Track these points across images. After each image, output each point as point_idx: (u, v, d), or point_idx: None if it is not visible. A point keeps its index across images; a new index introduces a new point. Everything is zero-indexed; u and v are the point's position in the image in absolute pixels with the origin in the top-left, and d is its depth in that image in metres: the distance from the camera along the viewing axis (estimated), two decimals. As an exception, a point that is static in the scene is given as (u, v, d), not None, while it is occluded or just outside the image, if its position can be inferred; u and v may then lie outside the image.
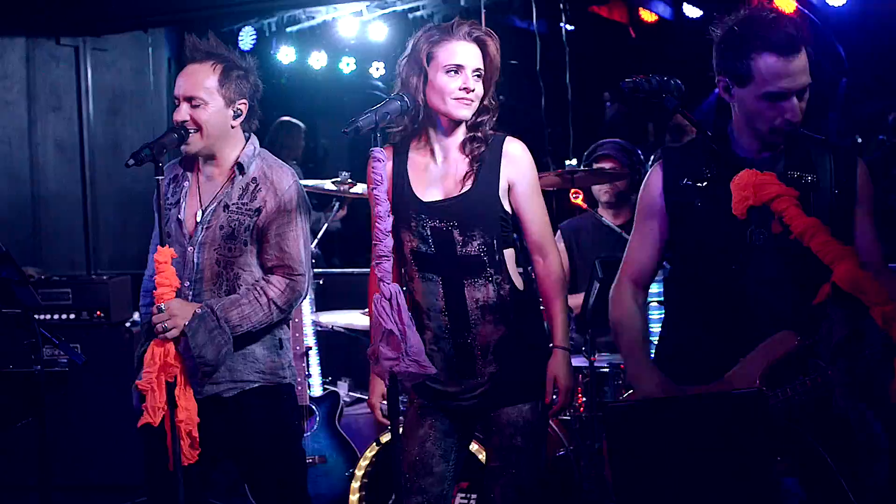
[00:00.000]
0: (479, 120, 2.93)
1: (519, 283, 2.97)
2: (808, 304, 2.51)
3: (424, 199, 2.92)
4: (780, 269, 2.60)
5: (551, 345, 2.97)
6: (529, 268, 3.07)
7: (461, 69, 2.87)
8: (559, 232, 4.67)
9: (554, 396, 2.97)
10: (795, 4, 7.07)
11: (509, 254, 2.96)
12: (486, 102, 2.94)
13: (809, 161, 2.64)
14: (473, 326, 2.91)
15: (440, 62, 2.87)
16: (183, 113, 3.05)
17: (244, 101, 3.11)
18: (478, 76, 2.90)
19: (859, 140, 7.00)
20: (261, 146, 3.19)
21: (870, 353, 2.31)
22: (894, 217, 6.34)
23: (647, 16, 8.22)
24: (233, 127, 3.12)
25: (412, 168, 2.97)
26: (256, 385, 3.13)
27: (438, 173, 2.95)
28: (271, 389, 3.16)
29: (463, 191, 2.90)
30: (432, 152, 2.97)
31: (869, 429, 2.72)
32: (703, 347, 2.70)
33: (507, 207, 2.94)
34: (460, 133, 2.95)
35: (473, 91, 2.88)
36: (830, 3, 6.65)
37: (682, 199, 2.71)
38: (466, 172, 2.91)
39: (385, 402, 2.97)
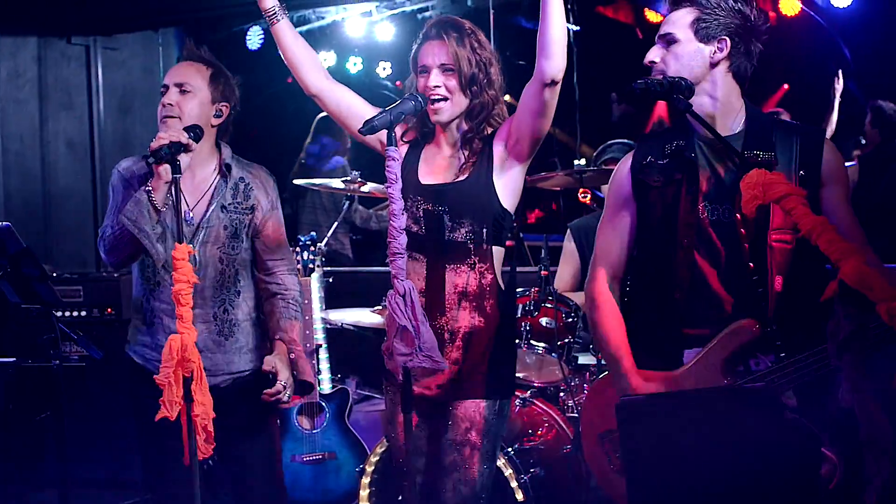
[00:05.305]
0: (479, 115, 2.98)
1: (501, 281, 3.02)
2: (757, 283, 2.55)
3: (423, 182, 3.01)
4: (731, 247, 2.63)
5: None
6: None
7: (428, 69, 2.96)
8: (568, 231, 4.72)
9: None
10: (800, 6, 7.10)
11: (498, 252, 3.01)
12: (481, 94, 2.96)
13: (769, 141, 2.66)
14: (448, 310, 2.96)
15: (416, 66, 3.00)
16: (171, 96, 3.19)
17: (227, 104, 3.27)
18: (449, 70, 2.95)
19: (863, 141, 6.94)
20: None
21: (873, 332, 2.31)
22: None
23: (653, 16, 8.26)
24: (213, 126, 3.25)
25: (426, 155, 3.07)
26: (247, 372, 3.31)
27: (445, 161, 3.04)
28: (258, 373, 3.32)
29: (459, 179, 2.98)
30: (440, 144, 3.06)
31: (875, 424, 2.75)
32: (655, 327, 2.74)
33: (506, 203, 2.98)
34: (464, 125, 3.02)
35: (440, 87, 2.94)
36: (835, 5, 6.66)
37: (644, 177, 2.77)
38: (465, 163, 2.99)
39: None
